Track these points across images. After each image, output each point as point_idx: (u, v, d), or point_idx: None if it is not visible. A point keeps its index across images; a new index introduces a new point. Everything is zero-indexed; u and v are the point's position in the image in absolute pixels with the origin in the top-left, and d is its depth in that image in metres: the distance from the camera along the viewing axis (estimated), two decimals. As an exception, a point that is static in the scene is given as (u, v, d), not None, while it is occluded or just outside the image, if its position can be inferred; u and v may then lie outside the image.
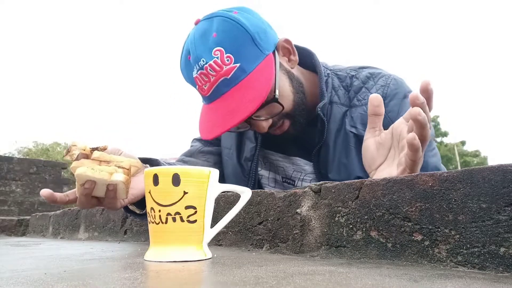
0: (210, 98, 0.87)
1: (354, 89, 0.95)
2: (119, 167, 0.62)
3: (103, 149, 0.64)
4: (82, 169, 0.60)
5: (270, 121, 0.87)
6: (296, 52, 0.94)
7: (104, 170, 0.60)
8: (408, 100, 0.90)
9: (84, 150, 0.62)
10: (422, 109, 0.58)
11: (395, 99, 0.91)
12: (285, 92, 0.89)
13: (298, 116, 0.91)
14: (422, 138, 0.59)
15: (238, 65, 0.83)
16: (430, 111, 0.62)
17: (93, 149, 0.63)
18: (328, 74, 0.97)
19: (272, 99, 0.85)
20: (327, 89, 0.94)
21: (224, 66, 0.82)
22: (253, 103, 0.82)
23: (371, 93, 0.92)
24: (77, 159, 0.62)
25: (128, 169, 0.62)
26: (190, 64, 0.87)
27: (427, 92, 0.61)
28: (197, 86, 0.88)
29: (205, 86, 0.85)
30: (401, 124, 0.66)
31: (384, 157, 0.68)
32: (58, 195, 0.66)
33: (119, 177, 0.61)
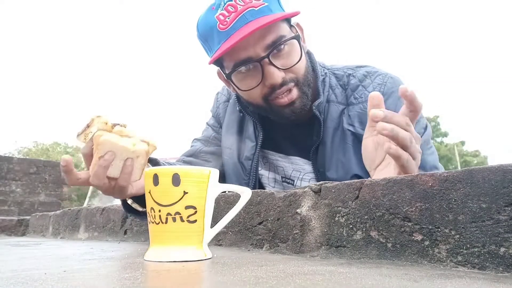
0: (233, 28, 0.85)
1: (351, 88, 0.96)
2: (141, 140, 0.63)
3: (124, 126, 0.64)
4: (108, 136, 0.60)
5: (283, 74, 0.86)
6: (305, 39, 0.95)
7: (128, 141, 0.62)
8: None
9: (106, 124, 0.62)
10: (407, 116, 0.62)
11: (392, 97, 0.92)
12: (302, 56, 0.89)
13: (305, 88, 0.90)
14: (400, 143, 0.60)
15: (266, 4, 0.86)
16: (419, 111, 0.63)
17: (114, 125, 0.63)
18: (325, 73, 0.98)
19: (295, 36, 0.88)
20: (324, 87, 0.95)
21: (253, 0, 0.85)
22: (281, 15, 0.85)
23: (368, 91, 0.93)
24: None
25: (148, 144, 0.63)
26: (212, 11, 0.87)
27: (407, 97, 0.62)
28: (217, 23, 0.86)
29: (228, 18, 0.85)
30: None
31: (383, 157, 0.69)
32: (74, 170, 0.65)
33: (143, 146, 0.62)
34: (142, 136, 0.64)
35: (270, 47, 0.85)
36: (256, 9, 0.84)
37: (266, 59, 0.85)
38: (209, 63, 0.92)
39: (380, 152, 0.69)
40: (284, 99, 0.88)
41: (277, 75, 0.85)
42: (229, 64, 0.89)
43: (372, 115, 0.61)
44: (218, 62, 0.92)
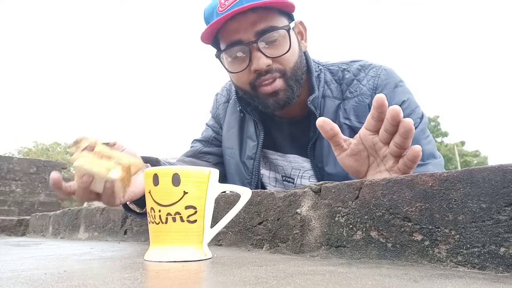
0: (228, 10, 0.87)
1: (346, 82, 0.97)
2: (118, 163, 0.62)
3: (113, 144, 0.64)
4: (80, 161, 0.60)
5: (270, 62, 0.88)
6: (307, 39, 0.97)
7: (103, 165, 0.61)
8: (399, 90, 0.93)
9: (95, 143, 0.62)
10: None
11: (386, 89, 0.93)
12: (293, 49, 0.91)
13: (292, 82, 0.91)
14: (407, 146, 0.62)
15: None
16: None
17: (106, 143, 0.63)
18: (320, 69, 0.99)
19: (285, 27, 0.89)
20: (319, 83, 0.97)
21: None
22: (274, 0, 0.86)
23: (363, 85, 0.95)
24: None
25: (127, 167, 0.62)
26: None
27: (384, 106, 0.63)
28: (218, 5, 0.89)
29: (227, 2, 0.87)
30: (368, 136, 0.66)
31: (366, 164, 0.69)
32: (64, 183, 0.66)
33: (115, 174, 0.61)
34: (121, 158, 0.63)
35: (260, 33, 0.87)
36: None
37: (255, 45, 0.87)
38: (201, 39, 0.94)
39: (361, 160, 0.68)
40: (268, 88, 0.90)
41: (263, 61, 0.88)
42: (223, 45, 0.92)
43: (395, 113, 0.60)
44: (217, 44, 0.95)
